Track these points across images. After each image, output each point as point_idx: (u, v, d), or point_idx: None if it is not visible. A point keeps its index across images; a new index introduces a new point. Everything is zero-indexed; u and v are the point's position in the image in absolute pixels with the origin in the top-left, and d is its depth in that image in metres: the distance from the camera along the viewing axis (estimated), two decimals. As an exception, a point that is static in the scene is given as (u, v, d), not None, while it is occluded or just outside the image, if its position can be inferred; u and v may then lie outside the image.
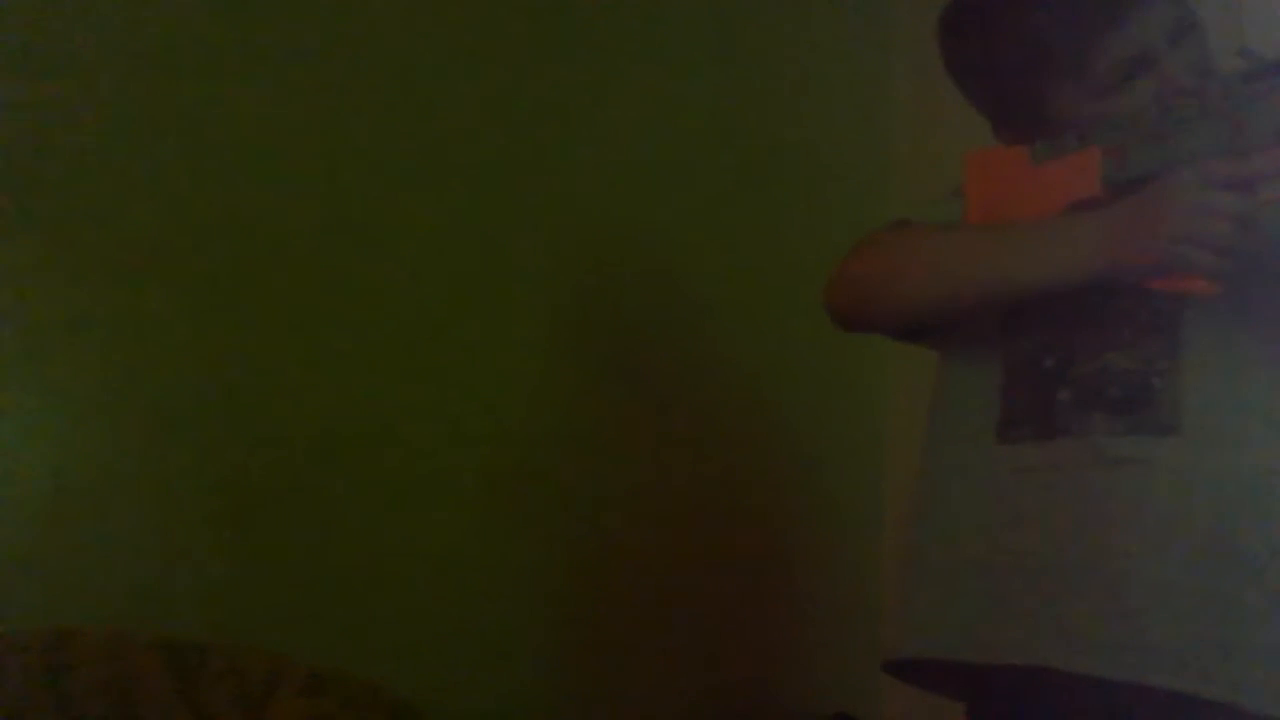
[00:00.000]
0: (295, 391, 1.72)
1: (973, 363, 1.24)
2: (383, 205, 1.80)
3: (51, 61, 1.59)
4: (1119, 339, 1.15)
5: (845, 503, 2.26)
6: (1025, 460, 1.18)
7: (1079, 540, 1.14)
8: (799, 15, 2.25)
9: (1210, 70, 1.17)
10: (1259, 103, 1.07)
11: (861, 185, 2.30)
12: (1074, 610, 1.12)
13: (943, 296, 1.19)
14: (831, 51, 2.31)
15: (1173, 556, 1.11)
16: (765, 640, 2.12)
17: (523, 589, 1.87)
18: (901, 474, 2.25)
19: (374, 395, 1.78)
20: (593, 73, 2.02)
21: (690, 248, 2.09)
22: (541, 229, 1.93)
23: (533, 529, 1.89)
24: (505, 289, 1.90)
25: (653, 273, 2.06)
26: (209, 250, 1.67)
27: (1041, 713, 1.15)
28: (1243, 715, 1.08)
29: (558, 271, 1.95)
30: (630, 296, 2.04)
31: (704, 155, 2.12)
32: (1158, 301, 1.14)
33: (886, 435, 2.30)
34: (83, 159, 1.60)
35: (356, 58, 1.80)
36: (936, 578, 1.23)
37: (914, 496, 1.29)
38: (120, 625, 1.46)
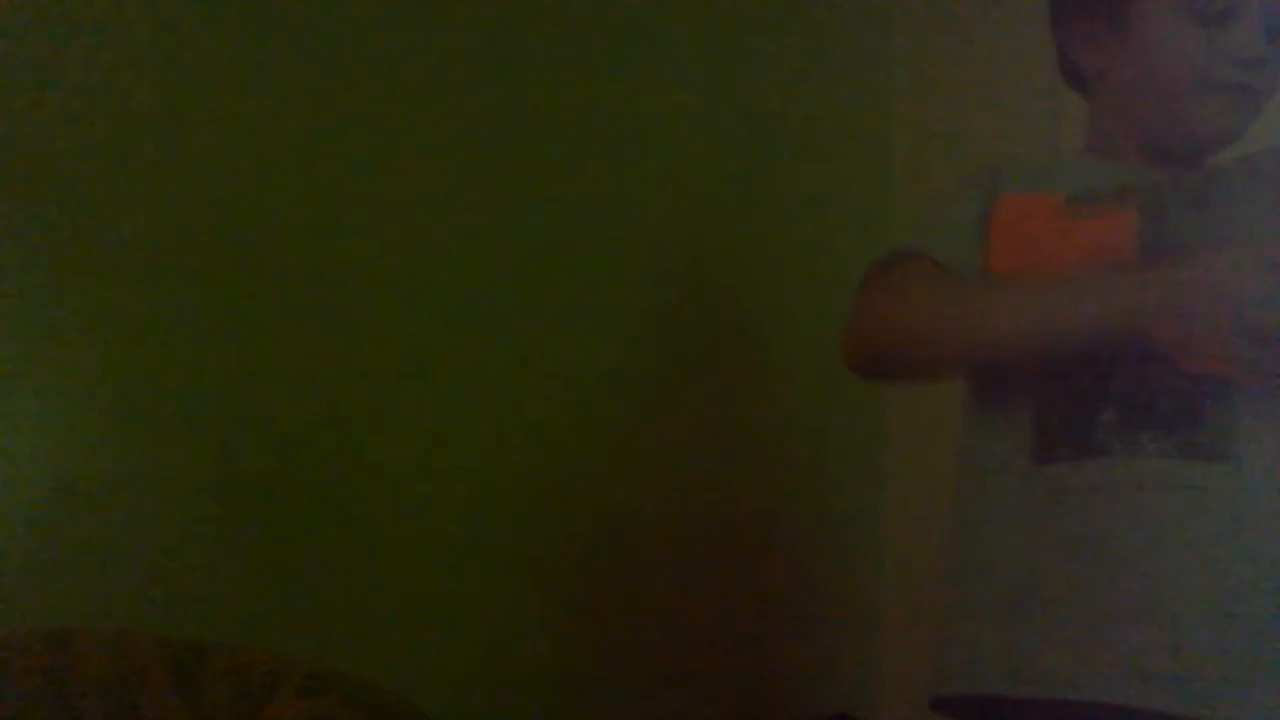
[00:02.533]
0: (297, 392, 1.72)
1: (1005, 381, 1.20)
2: (387, 205, 1.80)
3: (51, 64, 1.59)
4: (1161, 351, 1.11)
5: (846, 503, 2.26)
6: (1062, 481, 1.14)
7: (1122, 567, 1.10)
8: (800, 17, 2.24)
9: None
10: None
11: (863, 179, 2.30)
12: (1119, 641, 1.09)
13: (965, 353, 1.18)
14: (829, 51, 2.31)
15: (1223, 587, 1.08)
16: (766, 640, 2.12)
17: (522, 589, 1.87)
18: (902, 475, 2.26)
19: (376, 395, 1.78)
20: (622, 74, 2.01)
21: (693, 244, 2.08)
22: (546, 230, 1.93)
23: (533, 530, 1.89)
24: (506, 291, 1.90)
25: (661, 273, 2.06)
26: (209, 250, 1.67)
27: None
28: None
29: (562, 273, 1.95)
30: (638, 297, 2.04)
31: (703, 157, 2.11)
32: None
33: (888, 435, 2.30)
34: (83, 160, 1.60)
35: (369, 51, 1.79)
36: (975, 608, 1.19)
37: (949, 523, 1.25)
38: (120, 625, 1.46)
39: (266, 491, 1.69)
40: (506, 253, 1.90)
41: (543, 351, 1.93)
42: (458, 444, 1.84)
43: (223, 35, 1.70)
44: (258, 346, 1.70)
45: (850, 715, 2.08)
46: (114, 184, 1.62)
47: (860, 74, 2.34)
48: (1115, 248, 1.11)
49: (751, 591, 2.10)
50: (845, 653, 2.19)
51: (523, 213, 1.92)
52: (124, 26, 1.63)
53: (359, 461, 1.75)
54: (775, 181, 2.20)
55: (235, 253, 1.69)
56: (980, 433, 1.23)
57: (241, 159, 1.70)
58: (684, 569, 2.02)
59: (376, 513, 1.76)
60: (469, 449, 1.85)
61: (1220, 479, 1.09)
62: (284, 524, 1.69)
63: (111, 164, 1.62)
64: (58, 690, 1.34)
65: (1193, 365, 1.08)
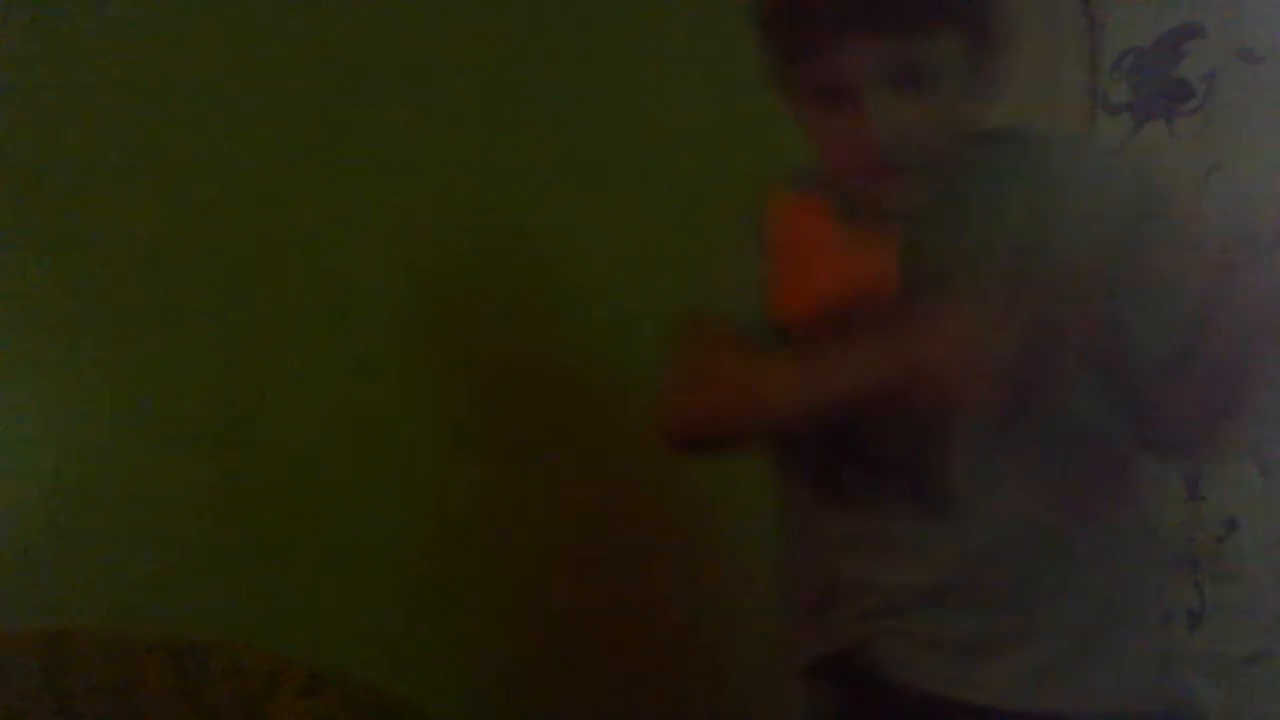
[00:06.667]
0: (295, 391, 1.72)
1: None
2: (387, 203, 1.80)
3: (51, 61, 1.59)
4: (899, 412, 1.14)
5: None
6: (827, 530, 1.22)
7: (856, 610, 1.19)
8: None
9: (961, 120, 1.12)
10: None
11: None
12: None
13: (759, 426, 1.21)
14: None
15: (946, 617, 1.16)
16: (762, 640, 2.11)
17: (523, 590, 1.87)
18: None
19: (374, 395, 1.78)
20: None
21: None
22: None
23: (531, 529, 1.89)
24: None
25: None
26: (209, 252, 1.67)
27: None
28: None
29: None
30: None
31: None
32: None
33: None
34: (83, 159, 1.60)
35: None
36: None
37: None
38: (120, 625, 1.46)
39: (266, 492, 1.69)
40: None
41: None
42: (453, 445, 1.85)
43: (223, 36, 1.70)
44: (257, 347, 1.70)
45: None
46: (115, 186, 1.62)
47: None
48: (876, 278, 1.13)
49: (747, 592, 2.10)
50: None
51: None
52: (125, 27, 1.63)
53: (359, 461, 1.76)
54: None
55: (235, 255, 1.69)
56: (778, 480, 1.29)
57: (240, 164, 1.70)
58: (675, 571, 2.02)
59: (377, 513, 1.76)
60: (466, 450, 1.86)
61: (941, 529, 1.16)
62: (284, 524, 1.69)
63: (113, 166, 1.62)
64: (58, 690, 1.35)
65: (947, 409, 1.12)
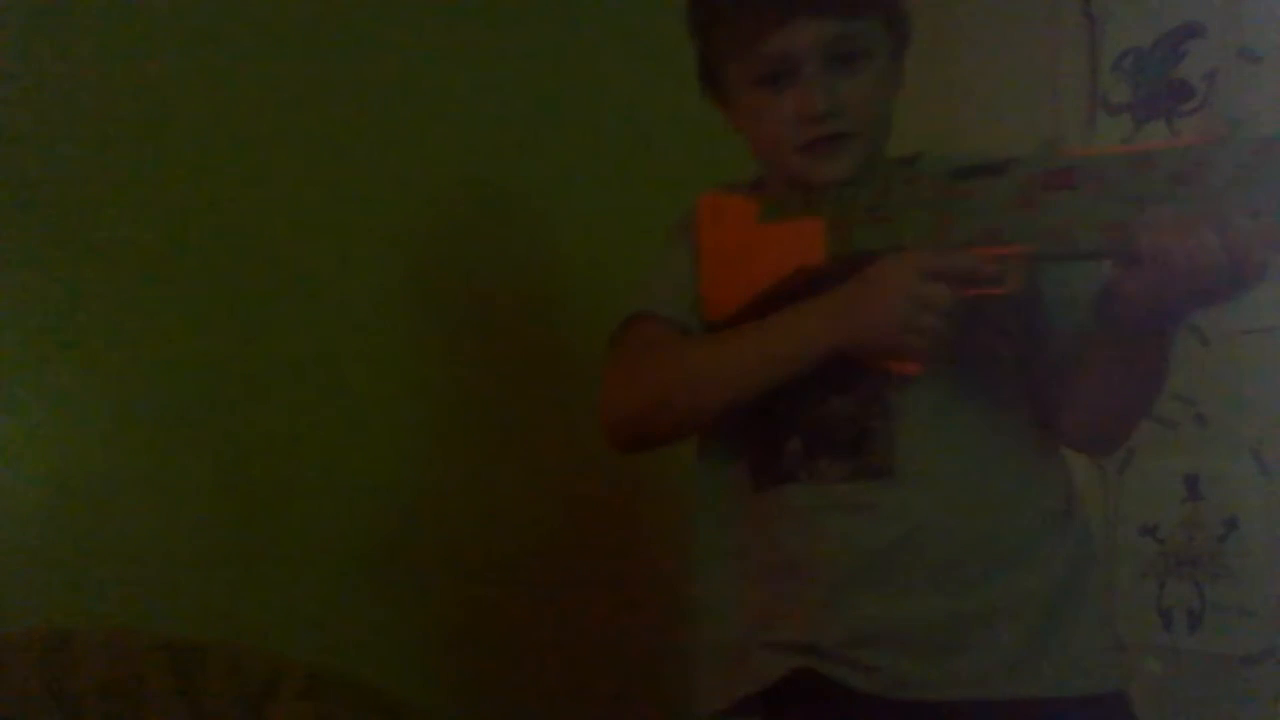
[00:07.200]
0: (296, 391, 1.72)
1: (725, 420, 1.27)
2: (382, 195, 1.81)
3: (51, 63, 1.59)
4: (840, 383, 1.19)
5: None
6: (765, 508, 1.22)
7: (813, 583, 1.19)
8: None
9: (884, 98, 1.21)
10: (966, 201, 1.12)
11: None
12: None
13: (703, 413, 1.23)
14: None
15: (896, 584, 1.17)
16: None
17: (524, 589, 1.87)
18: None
19: (376, 393, 1.78)
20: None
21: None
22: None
23: (532, 527, 1.89)
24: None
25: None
26: (209, 252, 1.67)
27: None
28: None
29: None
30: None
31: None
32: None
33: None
34: (83, 159, 1.60)
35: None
36: (703, 624, 1.29)
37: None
38: (120, 625, 1.46)
39: (266, 491, 1.69)
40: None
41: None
42: (454, 445, 1.85)
43: (222, 37, 1.70)
44: (257, 347, 1.70)
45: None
46: (115, 186, 1.62)
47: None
48: (807, 253, 1.19)
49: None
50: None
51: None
52: (125, 27, 1.63)
53: (359, 461, 1.76)
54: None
55: (234, 254, 1.69)
56: (708, 464, 1.30)
57: (241, 162, 1.70)
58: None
59: (377, 513, 1.76)
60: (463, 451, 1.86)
61: (890, 495, 1.18)
62: (284, 524, 1.69)
63: (112, 165, 1.62)
64: (58, 690, 1.35)
65: (895, 367, 1.16)
